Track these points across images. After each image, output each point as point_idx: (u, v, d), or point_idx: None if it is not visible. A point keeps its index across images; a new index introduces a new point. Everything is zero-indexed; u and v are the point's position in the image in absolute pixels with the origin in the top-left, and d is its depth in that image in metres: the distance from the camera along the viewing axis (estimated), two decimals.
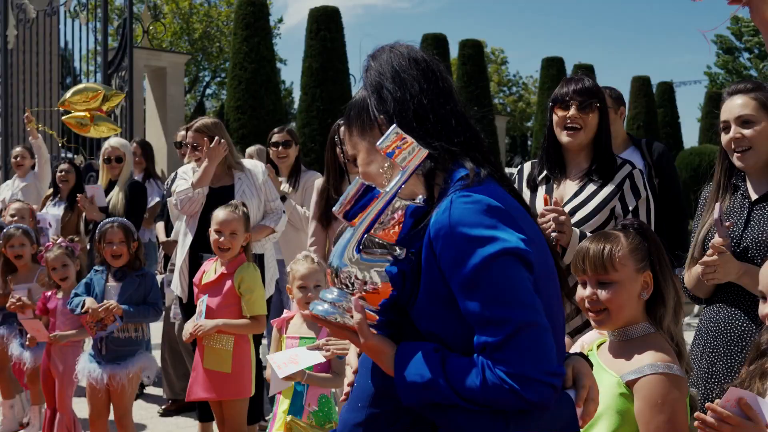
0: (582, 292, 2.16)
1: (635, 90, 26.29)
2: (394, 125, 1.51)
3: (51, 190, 6.80)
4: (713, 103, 22.15)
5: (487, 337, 1.43)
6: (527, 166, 3.24)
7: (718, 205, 2.57)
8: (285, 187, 5.39)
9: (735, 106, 2.66)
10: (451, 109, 1.64)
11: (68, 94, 6.95)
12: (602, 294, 2.10)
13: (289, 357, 3.09)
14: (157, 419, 5.35)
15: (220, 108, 33.04)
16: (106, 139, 6.87)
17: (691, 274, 2.72)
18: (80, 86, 7.13)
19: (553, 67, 24.46)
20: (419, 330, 1.54)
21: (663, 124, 26.79)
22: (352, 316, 1.52)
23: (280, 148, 5.52)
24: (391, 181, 1.52)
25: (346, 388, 1.77)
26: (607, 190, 2.98)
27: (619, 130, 4.36)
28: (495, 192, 1.54)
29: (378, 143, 1.51)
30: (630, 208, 2.97)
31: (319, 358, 3.07)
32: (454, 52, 23.29)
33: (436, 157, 1.56)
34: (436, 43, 20.66)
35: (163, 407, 5.51)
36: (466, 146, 1.61)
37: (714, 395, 2.54)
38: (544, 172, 3.14)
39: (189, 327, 3.86)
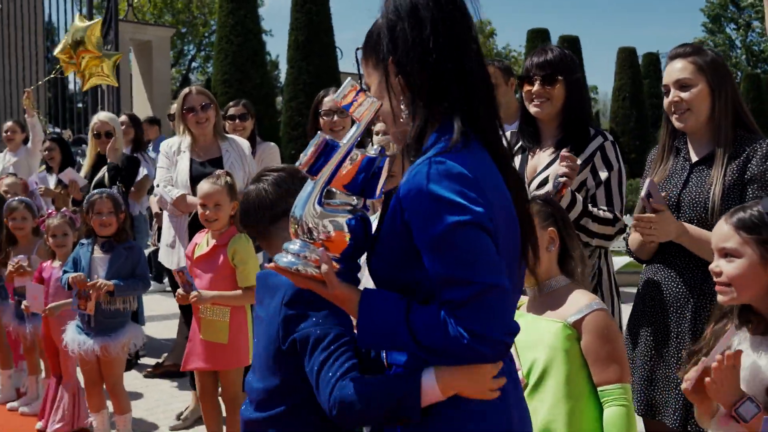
0: None
1: (621, 61, 26.39)
2: (349, 78, 1.60)
3: (43, 167, 6.88)
4: None
5: (452, 296, 1.52)
6: (507, 135, 3.33)
7: (648, 180, 2.66)
8: None
9: (674, 70, 2.75)
10: (458, 61, 1.63)
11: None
12: None
13: None
14: (153, 387, 5.49)
15: (206, 82, 32.86)
16: (94, 113, 6.91)
17: (633, 235, 2.83)
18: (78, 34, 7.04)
19: (538, 39, 24.45)
20: (379, 276, 1.65)
21: (649, 95, 26.93)
22: (317, 267, 1.58)
23: (237, 120, 5.52)
24: (348, 134, 1.62)
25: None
26: (578, 161, 3.00)
27: (511, 101, 4.51)
28: (472, 159, 1.58)
29: (335, 96, 1.62)
30: (602, 179, 3.02)
31: None
32: None
33: (427, 114, 1.60)
34: None
35: (148, 370, 5.69)
36: (463, 102, 1.63)
37: (651, 353, 2.74)
38: (520, 142, 3.23)
39: (181, 293, 3.91)
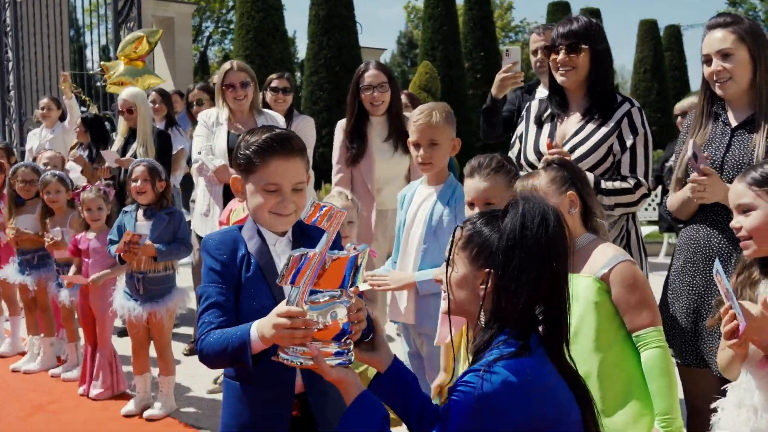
0: None
1: (642, 34, 26.13)
2: (311, 199, 1.80)
3: (75, 141, 7.03)
4: None
5: None
6: (534, 104, 3.43)
7: (691, 141, 2.76)
8: None
9: (715, 39, 2.84)
10: (548, 296, 1.81)
11: (120, 47, 7.10)
12: None
13: None
14: (193, 357, 5.65)
15: (223, 58, 32.95)
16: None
17: (676, 196, 2.94)
18: (127, 37, 7.24)
19: (559, 12, 24.17)
20: None
21: (670, 67, 26.69)
22: (310, 358, 1.81)
23: (280, 93, 5.70)
24: (320, 243, 1.80)
25: None
26: (605, 128, 3.14)
27: None
28: (529, 363, 1.74)
29: (301, 215, 1.84)
30: (627, 145, 3.12)
31: (363, 287, 3.29)
32: None
33: (503, 328, 1.78)
34: None
35: (187, 347, 5.83)
36: (542, 311, 1.82)
37: (695, 306, 2.85)
38: (549, 110, 3.32)
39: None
